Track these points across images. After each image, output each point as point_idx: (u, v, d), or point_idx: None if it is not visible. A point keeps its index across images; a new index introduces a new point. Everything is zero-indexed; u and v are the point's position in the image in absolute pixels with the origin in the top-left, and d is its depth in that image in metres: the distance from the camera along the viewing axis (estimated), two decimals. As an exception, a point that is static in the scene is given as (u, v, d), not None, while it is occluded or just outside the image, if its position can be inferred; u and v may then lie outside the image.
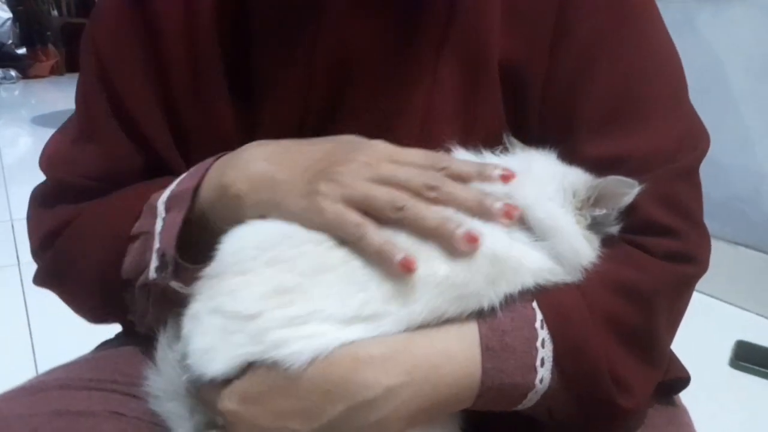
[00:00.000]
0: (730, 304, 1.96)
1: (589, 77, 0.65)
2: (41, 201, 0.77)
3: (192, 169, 0.67)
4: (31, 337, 1.79)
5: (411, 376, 0.57)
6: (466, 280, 0.58)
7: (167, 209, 0.66)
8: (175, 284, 0.65)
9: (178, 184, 0.67)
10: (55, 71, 5.05)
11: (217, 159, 0.66)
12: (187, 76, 0.71)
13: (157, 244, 0.65)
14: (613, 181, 0.60)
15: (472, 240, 0.56)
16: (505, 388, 0.58)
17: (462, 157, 0.64)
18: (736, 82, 1.92)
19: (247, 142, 0.66)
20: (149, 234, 0.66)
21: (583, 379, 0.58)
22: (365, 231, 0.57)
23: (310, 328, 0.57)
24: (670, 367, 0.71)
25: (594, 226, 0.61)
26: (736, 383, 1.65)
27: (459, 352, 0.57)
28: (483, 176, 0.59)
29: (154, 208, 0.67)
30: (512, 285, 0.59)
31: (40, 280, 0.77)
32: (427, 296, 0.58)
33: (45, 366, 0.77)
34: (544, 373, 0.57)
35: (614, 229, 0.62)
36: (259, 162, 0.62)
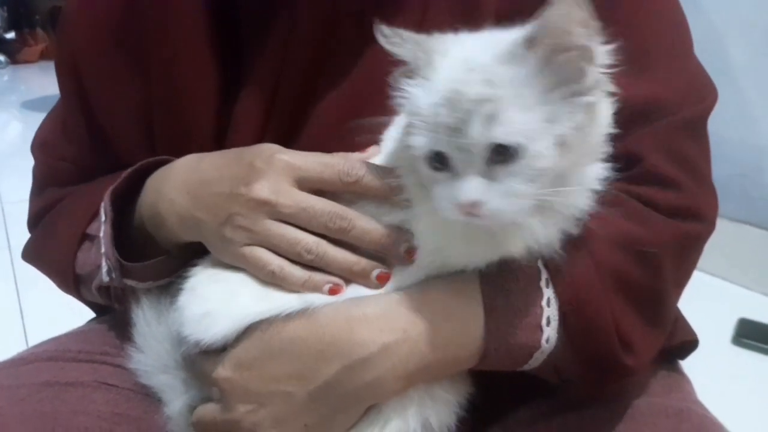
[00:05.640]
0: (733, 282, 1.95)
1: None
2: (34, 182, 0.79)
3: (128, 172, 0.68)
4: (23, 318, 1.79)
5: (406, 333, 0.56)
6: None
7: (105, 213, 0.67)
8: (130, 282, 0.67)
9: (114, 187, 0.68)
10: (44, 56, 4.99)
11: (149, 167, 0.68)
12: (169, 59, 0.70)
13: (102, 248, 0.66)
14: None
15: (383, 279, 0.58)
16: (510, 349, 0.57)
17: None
18: (737, 56, 1.90)
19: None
20: (98, 238, 0.67)
21: (588, 338, 0.57)
22: (282, 273, 0.58)
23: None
24: (677, 331, 0.70)
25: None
26: (739, 360, 1.66)
27: (458, 310, 0.57)
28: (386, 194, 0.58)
29: (100, 210, 0.68)
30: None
31: (24, 255, 0.79)
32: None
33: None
34: (550, 333, 0.56)
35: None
36: (182, 196, 0.63)
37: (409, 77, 0.55)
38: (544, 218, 0.54)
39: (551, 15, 0.49)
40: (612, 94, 0.57)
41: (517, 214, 0.52)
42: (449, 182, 0.52)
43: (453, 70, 0.53)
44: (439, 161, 0.53)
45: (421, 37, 0.55)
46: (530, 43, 0.51)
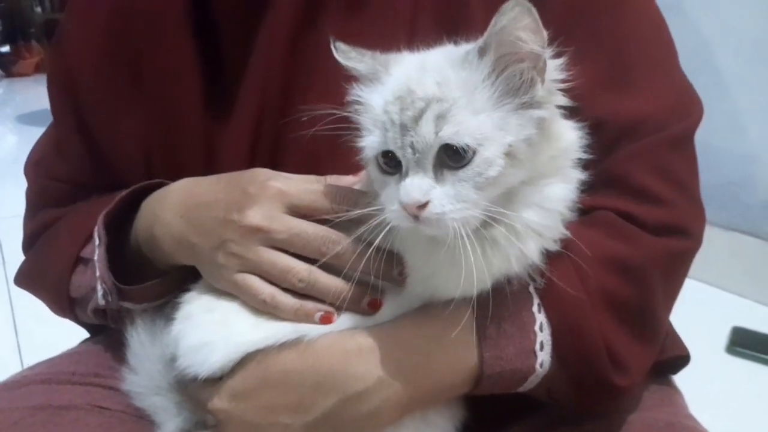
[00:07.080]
0: (726, 290, 1.95)
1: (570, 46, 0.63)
2: (28, 205, 0.78)
3: (121, 195, 0.68)
4: (17, 335, 1.78)
5: (401, 363, 0.56)
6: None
7: (99, 237, 0.67)
8: (126, 305, 0.67)
9: (108, 211, 0.68)
10: (39, 69, 4.98)
11: (143, 190, 0.68)
12: (161, 72, 0.70)
13: (97, 272, 0.66)
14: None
15: (375, 306, 0.58)
16: (505, 375, 0.57)
17: None
18: (727, 65, 1.91)
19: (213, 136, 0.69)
20: (93, 261, 0.67)
21: (580, 360, 0.57)
22: (274, 301, 0.58)
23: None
24: (668, 346, 0.70)
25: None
26: (733, 369, 1.66)
27: (451, 338, 0.56)
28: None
29: (94, 234, 0.68)
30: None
31: (18, 280, 0.78)
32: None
33: (31, 362, 0.76)
34: (544, 357, 0.57)
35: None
36: (177, 219, 0.63)
37: (366, 86, 0.56)
38: (519, 241, 0.54)
39: (500, 20, 0.50)
40: (584, 117, 0.57)
41: (462, 223, 0.51)
42: (397, 185, 0.52)
43: (407, 71, 0.54)
44: (389, 164, 0.53)
45: (377, 54, 0.56)
46: (483, 50, 0.52)
